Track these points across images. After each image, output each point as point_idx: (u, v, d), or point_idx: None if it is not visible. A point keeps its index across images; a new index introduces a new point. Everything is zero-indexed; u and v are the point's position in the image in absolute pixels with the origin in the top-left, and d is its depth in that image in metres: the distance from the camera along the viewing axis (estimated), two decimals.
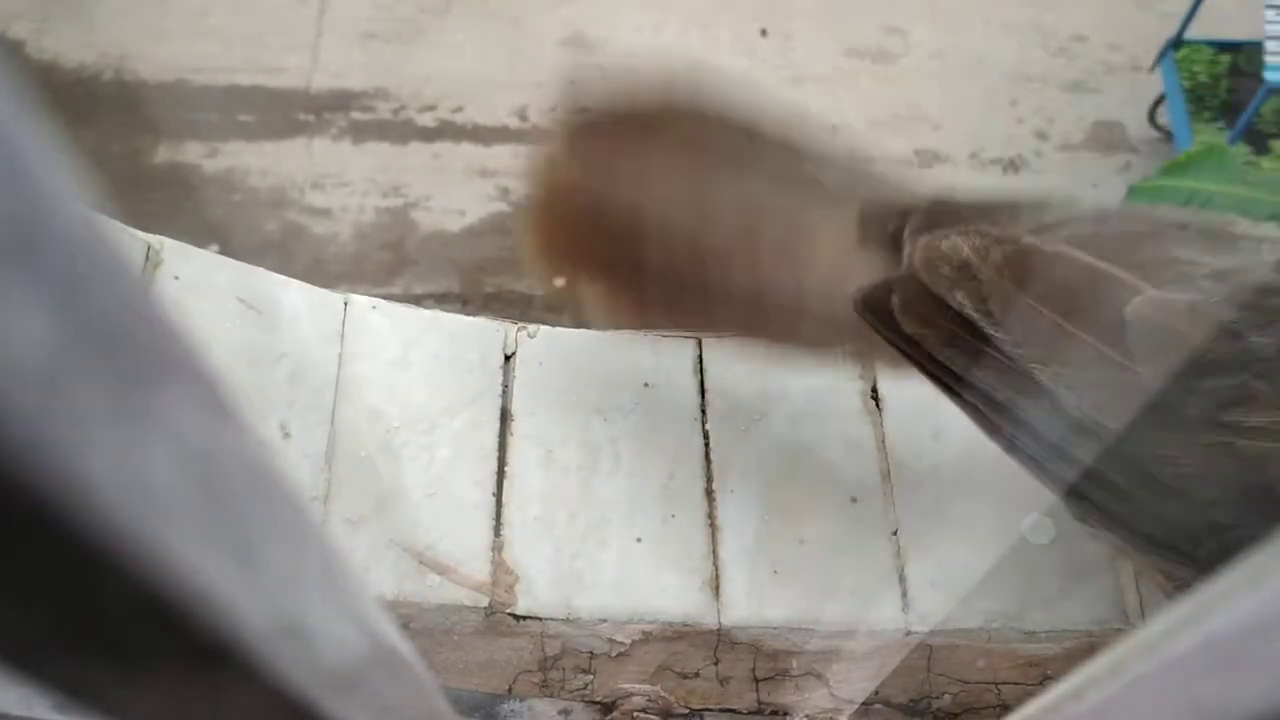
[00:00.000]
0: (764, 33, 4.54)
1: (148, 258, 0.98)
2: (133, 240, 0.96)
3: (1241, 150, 3.83)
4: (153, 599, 0.16)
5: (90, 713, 0.20)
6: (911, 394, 0.97)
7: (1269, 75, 3.56)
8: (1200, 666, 0.25)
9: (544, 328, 1.02)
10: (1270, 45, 3.58)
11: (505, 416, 0.97)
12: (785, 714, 0.95)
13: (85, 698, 0.19)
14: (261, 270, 1.02)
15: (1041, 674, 0.91)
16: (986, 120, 4.32)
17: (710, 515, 0.92)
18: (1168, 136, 3.96)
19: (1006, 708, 0.91)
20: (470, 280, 3.59)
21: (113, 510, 0.14)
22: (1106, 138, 4.30)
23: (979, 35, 4.49)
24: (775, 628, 0.89)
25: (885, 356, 0.76)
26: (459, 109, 4.35)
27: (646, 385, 0.98)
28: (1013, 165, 4.23)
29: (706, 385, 0.97)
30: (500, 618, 0.89)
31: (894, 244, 0.73)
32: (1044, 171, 4.23)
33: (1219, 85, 3.94)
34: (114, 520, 0.14)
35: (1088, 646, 0.87)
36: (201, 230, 4.00)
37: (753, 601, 0.89)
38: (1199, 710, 0.24)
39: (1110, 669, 0.30)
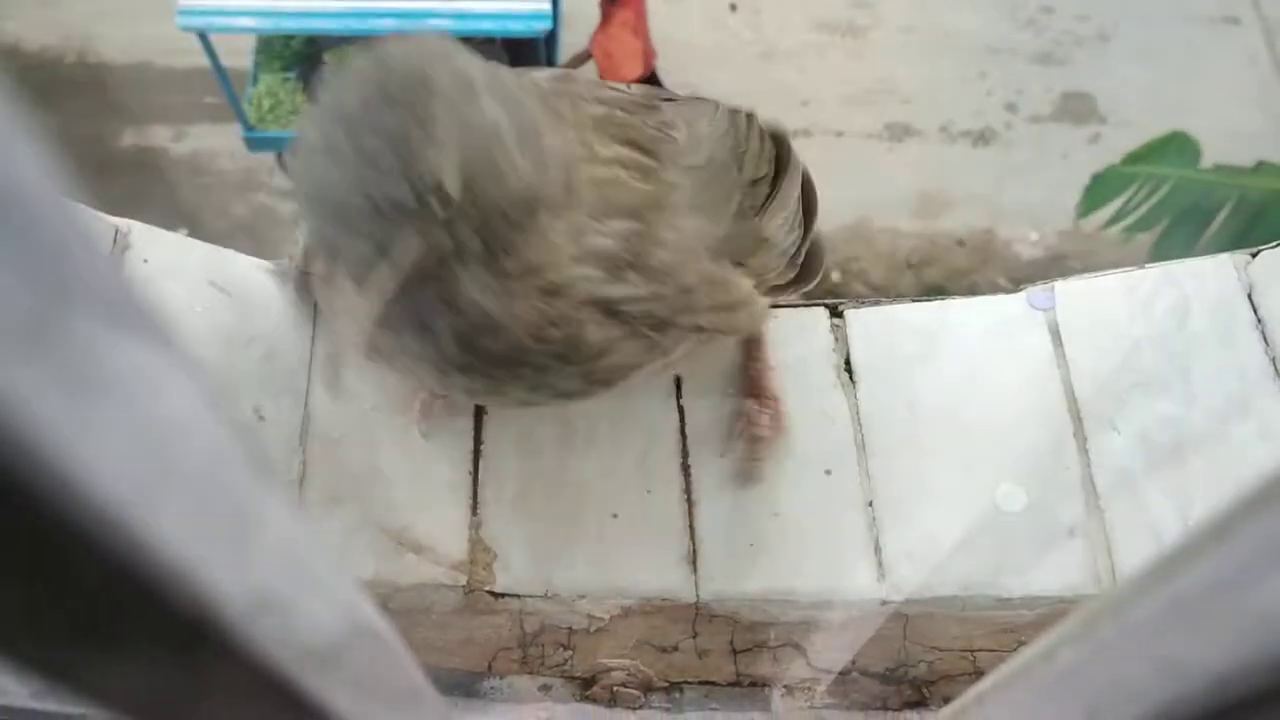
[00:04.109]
0: (733, 7, 4.53)
1: (116, 241, 0.97)
2: (100, 224, 0.95)
3: (296, 98, 4.01)
4: (129, 575, 0.16)
5: (68, 695, 0.20)
6: (885, 366, 0.98)
7: (180, 20, 3.62)
8: (1167, 625, 0.25)
9: None
10: None
11: None
12: (764, 685, 0.96)
13: (63, 679, 0.19)
14: (232, 253, 1.01)
15: (1016, 640, 0.92)
16: (956, 93, 4.33)
17: (686, 490, 0.93)
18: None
19: (982, 674, 0.92)
20: None
21: (86, 482, 0.14)
22: (1075, 109, 4.33)
23: (947, 9, 4.50)
24: (752, 600, 0.89)
25: None
26: None
27: None
28: (982, 137, 4.25)
29: None
30: (478, 596, 0.89)
31: None
32: (1014, 143, 4.25)
33: (292, 39, 4.06)
34: (87, 492, 0.14)
35: (1061, 613, 0.88)
36: (170, 214, 3.97)
37: (730, 574, 0.90)
38: (1166, 667, 0.25)
39: (1080, 630, 0.31)
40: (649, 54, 3.85)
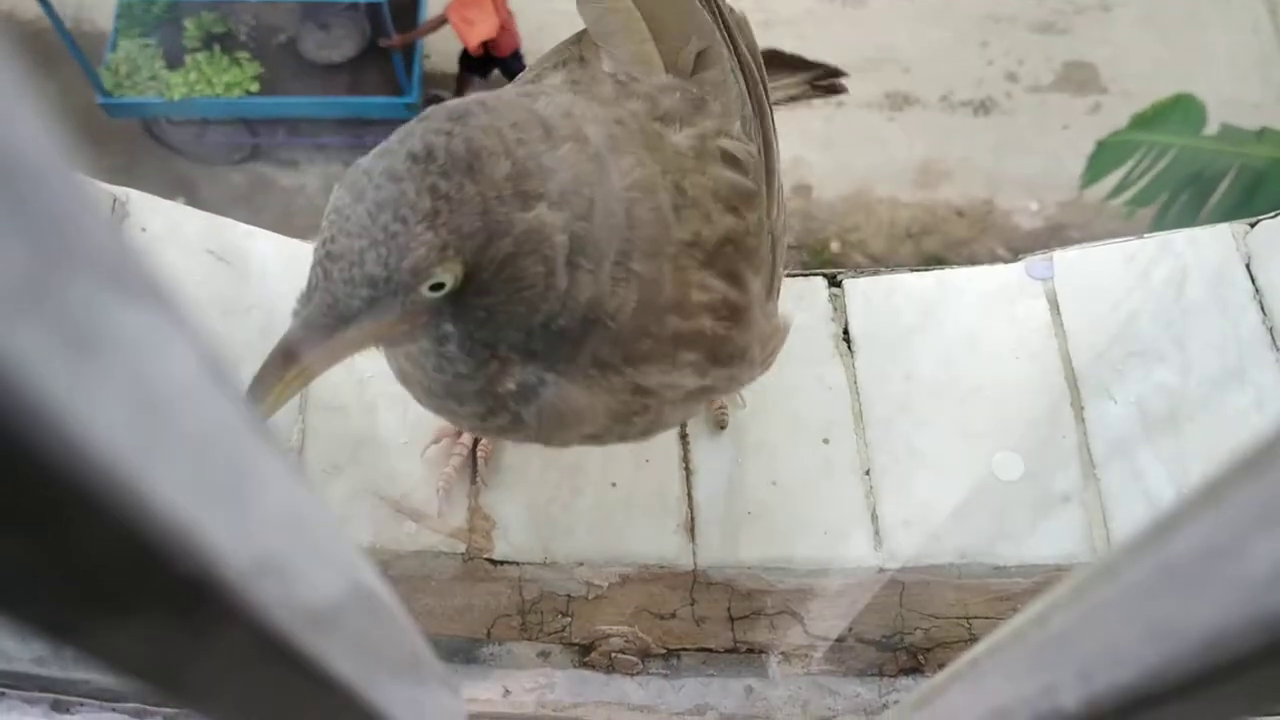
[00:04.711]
0: None
1: (114, 210, 0.97)
2: (98, 192, 0.95)
3: (155, 64, 3.97)
4: (130, 536, 0.16)
5: (71, 656, 0.20)
6: (883, 335, 0.98)
7: None
8: (1159, 589, 0.26)
9: None
10: None
11: None
12: (761, 652, 0.96)
13: (65, 639, 0.20)
14: (230, 221, 1.01)
15: (1011, 608, 0.92)
16: (957, 62, 4.31)
17: (684, 458, 0.93)
18: None
19: (977, 642, 0.93)
20: None
21: (87, 443, 0.14)
22: (1077, 79, 4.31)
23: None
24: (749, 568, 0.90)
25: None
26: (427, 56, 4.30)
27: None
28: (983, 107, 4.23)
29: None
30: (478, 563, 0.89)
31: None
32: (1014, 113, 4.23)
33: (154, 5, 4.05)
34: (88, 453, 0.14)
35: (1056, 580, 0.89)
36: (167, 183, 3.95)
37: (727, 542, 0.90)
38: (1157, 630, 0.25)
39: (1073, 594, 0.31)
40: (508, 24, 3.82)
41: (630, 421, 0.69)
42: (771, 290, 0.77)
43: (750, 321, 0.71)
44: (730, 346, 0.69)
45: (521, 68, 4.34)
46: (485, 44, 3.81)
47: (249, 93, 3.97)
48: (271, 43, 4.08)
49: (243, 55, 4.02)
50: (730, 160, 0.70)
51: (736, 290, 0.69)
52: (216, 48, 4.03)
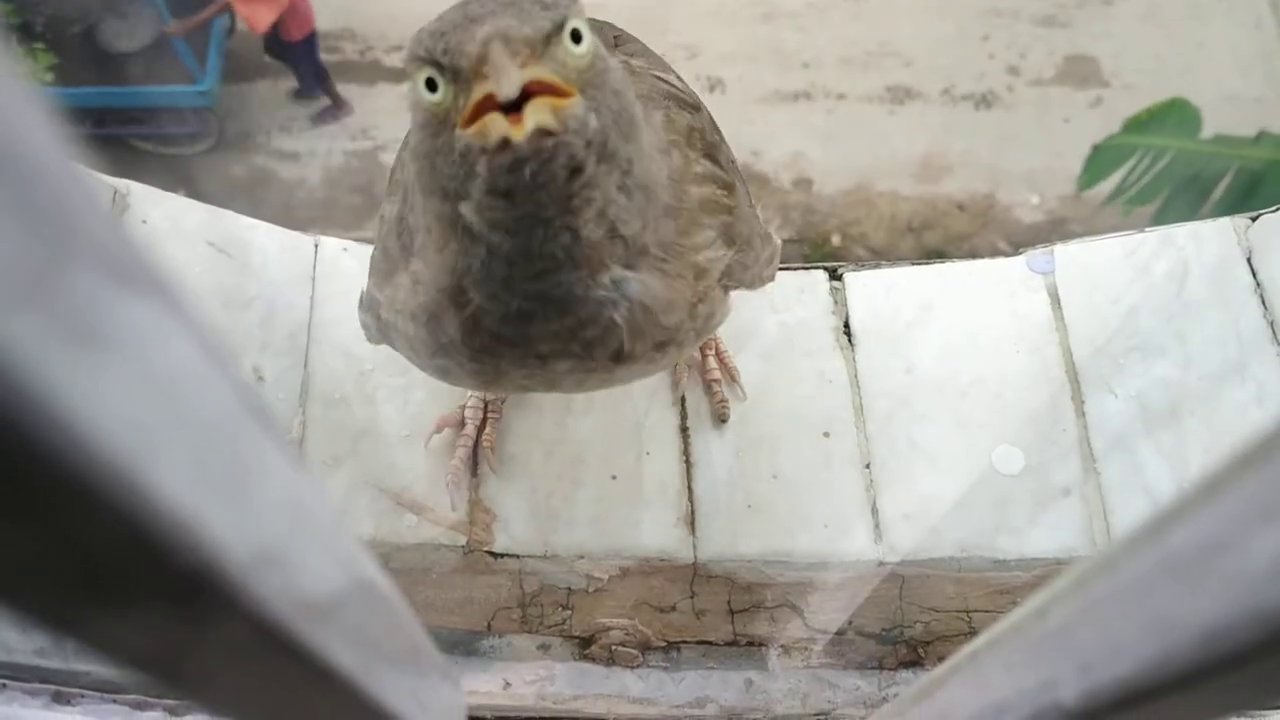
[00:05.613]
0: None
1: (114, 202, 0.96)
2: (99, 184, 0.95)
3: None
4: (132, 527, 0.16)
5: (73, 647, 0.20)
6: (884, 329, 0.98)
7: None
8: (1158, 582, 0.26)
9: None
10: None
11: None
12: (761, 645, 0.97)
13: (67, 631, 0.20)
14: (230, 213, 1.01)
15: (1011, 601, 0.92)
16: (958, 55, 4.30)
17: (684, 452, 0.93)
18: None
19: (977, 635, 0.93)
20: None
21: (89, 434, 0.14)
22: (1078, 72, 4.30)
23: None
24: (750, 561, 0.90)
25: None
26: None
27: None
28: (984, 101, 4.22)
29: None
30: (478, 556, 0.90)
31: None
32: (1016, 106, 4.23)
33: None
34: (90, 445, 0.14)
35: (1056, 574, 0.89)
36: (167, 175, 3.95)
37: (727, 535, 0.90)
38: (1156, 624, 0.25)
39: (1073, 587, 0.31)
40: (299, 5, 3.78)
41: (695, 313, 0.72)
42: (751, 201, 0.84)
43: (741, 203, 0.78)
44: (736, 228, 0.76)
45: (316, 57, 4.18)
46: (276, 26, 3.74)
47: (42, 84, 3.90)
48: (68, 33, 4.03)
49: (38, 46, 3.96)
50: (662, 80, 0.78)
51: (721, 170, 0.76)
52: (11, 39, 3.96)
